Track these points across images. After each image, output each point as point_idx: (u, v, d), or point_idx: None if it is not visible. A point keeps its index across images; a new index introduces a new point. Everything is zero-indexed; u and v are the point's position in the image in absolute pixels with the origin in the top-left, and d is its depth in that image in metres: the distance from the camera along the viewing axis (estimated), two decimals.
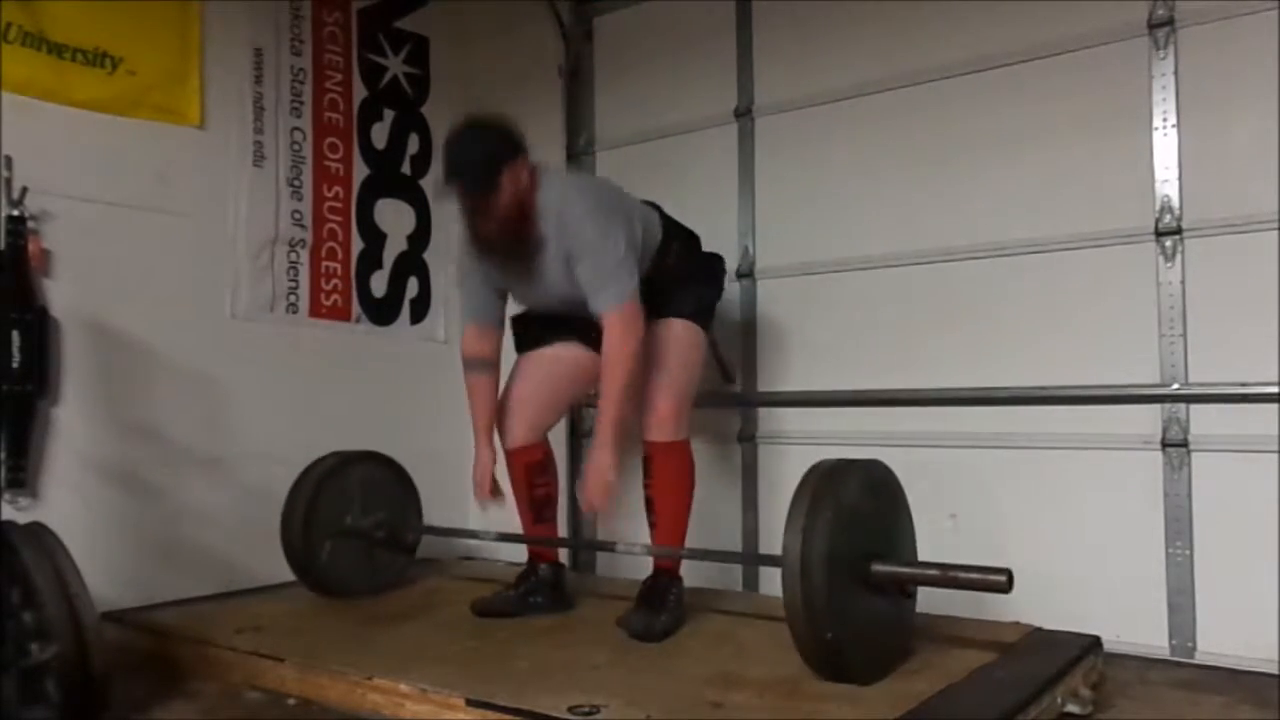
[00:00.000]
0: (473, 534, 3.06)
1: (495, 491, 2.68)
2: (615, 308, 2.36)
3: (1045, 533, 2.71)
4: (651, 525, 2.54)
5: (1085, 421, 2.67)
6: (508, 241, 2.41)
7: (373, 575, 2.98)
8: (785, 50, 3.24)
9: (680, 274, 2.60)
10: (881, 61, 3.02)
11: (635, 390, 2.42)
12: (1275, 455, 2.39)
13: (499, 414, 2.69)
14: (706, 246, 2.75)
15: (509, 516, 2.80)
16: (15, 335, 2.63)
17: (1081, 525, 2.67)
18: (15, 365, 2.63)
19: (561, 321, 2.63)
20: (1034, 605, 2.57)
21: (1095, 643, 2.33)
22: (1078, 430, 2.68)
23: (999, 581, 2.00)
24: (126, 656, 2.51)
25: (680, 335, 2.57)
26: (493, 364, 2.69)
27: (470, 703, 1.92)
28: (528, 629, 2.50)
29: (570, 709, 1.82)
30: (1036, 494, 2.74)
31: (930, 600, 2.65)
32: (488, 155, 2.36)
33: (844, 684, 1.97)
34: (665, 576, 2.52)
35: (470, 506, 3.79)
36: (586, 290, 2.39)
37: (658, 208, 2.69)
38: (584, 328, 2.52)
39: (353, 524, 2.93)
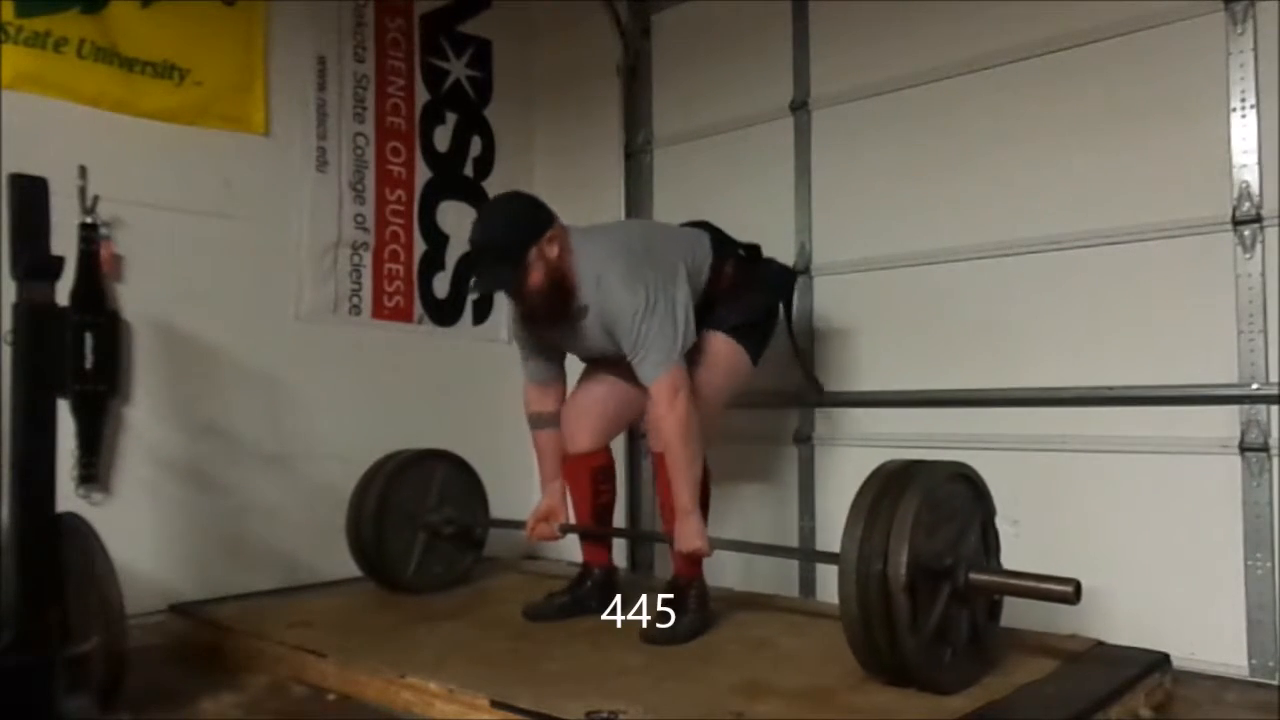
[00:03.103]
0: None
1: (551, 534, 2.71)
2: (657, 378, 2.33)
3: (1113, 541, 2.56)
4: (667, 533, 2.50)
5: (1157, 424, 2.51)
6: (549, 313, 2.42)
7: (441, 571, 3.05)
8: (841, 41, 3.15)
9: (731, 290, 2.55)
10: (939, 49, 2.90)
11: (699, 452, 2.37)
12: None
13: (566, 415, 2.68)
14: (761, 243, 2.68)
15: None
16: (88, 337, 2.75)
17: (1153, 533, 2.51)
18: (88, 366, 2.75)
19: None
20: (1100, 618, 2.46)
21: (1162, 659, 2.19)
22: (1149, 433, 2.52)
23: (1065, 592, 1.89)
24: (187, 647, 2.62)
25: (714, 350, 2.52)
26: (557, 418, 2.69)
27: (494, 704, 1.92)
28: (569, 630, 2.49)
29: (588, 714, 1.80)
30: (1104, 500, 2.59)
31: None
32: (510, 242, 2.34)
33: (902, 689, 1.91)
34: (684, 579, 2.47)
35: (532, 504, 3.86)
36: (630, 359, 2.37)
37: (709, 227, 2.64)
38: None
39: (423, 519, 3.00)
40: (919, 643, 1.86)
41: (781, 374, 3.23)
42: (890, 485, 1.94)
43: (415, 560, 2.99)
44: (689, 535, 2.36)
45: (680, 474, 2.35)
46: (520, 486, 3.87)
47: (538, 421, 2.71)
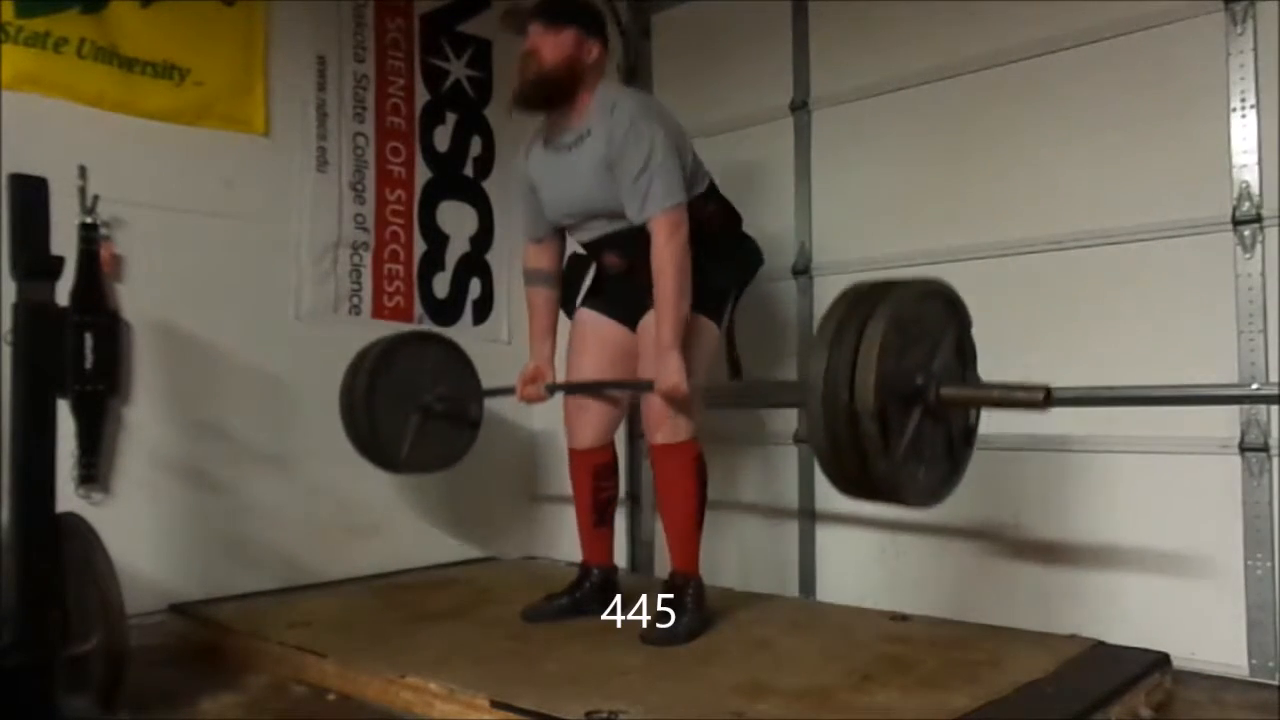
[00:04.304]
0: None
1: (538, 395, 2.71)
2: (663, 210, 2.33)
3: (1113, 541, 2.56)
4: (664, 529, 2.51)
5: (1157, 424, 2.49)
6: (543, 91, 2.42)
7: (440, 452, 3.12)
8: (841, 41, 3.15)
9: (704, 245, 2.48)
10: (939, 49, 2.90)
11: (688, 291, 2.36)
12: None
13: (565, 415, 2.68)
14: (761, 243, 2.68)
15: (568, 521, 2.84)
16: (88, 338, 2.74)
17: (1153, 533, 2.51)
18: (88, 366, 2.75)
19: (607, 290, 2.63)
20: (1100, 618, 2.46)
21: (1162, 659, 2.20)
22: (1149, 433, 2.51)
23: (1034, 398, 1.81)
24: (187, 647, 2.62)
25: (690, 326, 2.45)
26: (552, 276, 2.72)
27: (494, 704, 1.92)
28: (569, 630, 2.48)
29: (588, 713, 1.80)
30: (1104, 500, 2.59)
31: (984, 611, 2.57)
32: (571, 5, 2.43)
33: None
34: (680, 577, 2.46)
35: (534, 525, 3.87)
36: (630, 194, 2.35)
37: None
38: (623, 294, 2.53)
39: (417, 399, 3.04)
40: (890, 465, 1.79)
41: (782, 374, 3.25)
42: (855, 311, 1.81)
43: (407, 443, 3.02)
44: (668, 372, 2.33)
45: (667, 308, 2.33)
46: (523, 493, 3.90)
47: (532, 278, 2.73)
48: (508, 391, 2.82)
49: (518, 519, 3.86)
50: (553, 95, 2.43)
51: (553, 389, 2.68)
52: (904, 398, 1.82)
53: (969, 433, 2.03)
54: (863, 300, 1.82)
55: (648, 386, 2.38)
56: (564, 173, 2.49)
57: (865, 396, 1.73)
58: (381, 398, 2.97)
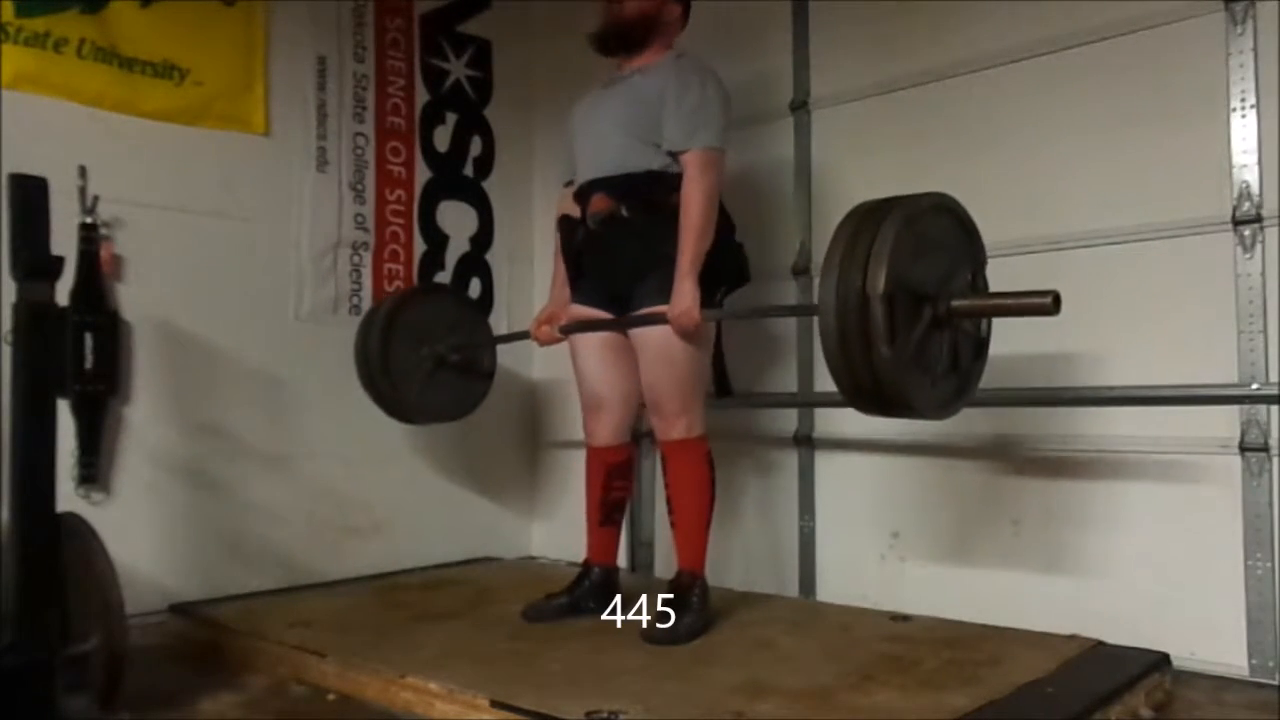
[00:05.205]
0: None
1: (551, 336, 2.77)
2: (705, 147, 2.43)
3: (1113, 541, 2.56)
4: (673, 526, 2.52)
5: (1157, 424, 2.50)
6: (620, 40, 2.60)
7: (452, 401, 3.20)
8: (841, 41, 3.15)
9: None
10: (939, 49, 2.90)
11: (712, 225, 2.44)
12: None
13: (583, 411, 2.70)
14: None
15: (575, 526, 2.83)
16: (88, 338, 2.76)
17: (1153, 533, 2.51)
18: (88, 366, 2.76)
19: (592, 272, 2.65)
20: (1100, 618, 2.46)
21: (1162, 659, 2.19)
22: (1149, 433, 2.52)
23: (1043, 303, 1.83)
24: (187, 647, 2.62)
25: None
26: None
27: (494, 704, 1.92)
28: (569, 630, 2.49)
29: (588, 714, 1.80)
30: (1104, 500, 2.59)
31: (984, 611, 2.56)
32: None
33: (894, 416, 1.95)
34: (688, 575, 2.47)
35: (534, 526, 3.88)
36: (681, 120, 2.44)
37: None
38: (608, 275, 2.57)
39: (430, 348, 3.11)
40: (896, 356, 1.79)
41: (781, 374, 3.25)
42: (870, 216, 1.86)
43: (418, 387, 3.08)
44: (681, 297, 2.37)
45: (690, 237, 2.39)
46: (526, 499, 3.90)
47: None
48: (521, 336, 2.94)
49: (519, 543, 3.88)
50: (625, 42, 2.60)
51: (565, 330, 2.71)
52: (915, 295, 1.85)
53: (979, 346, 2.06)
54: (875, 209, 1.87)
55: (661, 320, 2.41)
56: (607, 100, 2.61)
57: (876, 281, 1.77)
58: (396, 347, 3.02)
